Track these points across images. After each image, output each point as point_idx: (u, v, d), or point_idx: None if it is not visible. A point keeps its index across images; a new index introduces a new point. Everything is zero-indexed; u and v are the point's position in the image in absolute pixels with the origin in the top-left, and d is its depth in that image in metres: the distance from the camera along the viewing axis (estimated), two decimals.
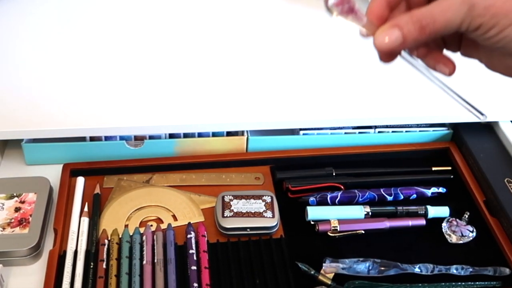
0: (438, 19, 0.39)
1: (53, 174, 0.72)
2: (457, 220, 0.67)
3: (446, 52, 0.45)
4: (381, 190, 0.71)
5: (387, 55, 0.43)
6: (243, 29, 0.91)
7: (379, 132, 0.78)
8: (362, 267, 0.62)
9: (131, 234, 0.64)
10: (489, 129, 0.79)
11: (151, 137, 0.75)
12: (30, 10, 0.92)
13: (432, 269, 0.63)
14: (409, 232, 0.67)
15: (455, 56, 0.89)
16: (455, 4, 0.38)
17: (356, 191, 0.70)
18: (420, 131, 0.79)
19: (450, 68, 0.44)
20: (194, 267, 0.61)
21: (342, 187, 0.72)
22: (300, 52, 0.87)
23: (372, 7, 0.42)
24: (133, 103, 0.75)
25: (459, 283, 0.62)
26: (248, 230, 0.66)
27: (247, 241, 0.65)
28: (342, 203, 0.70)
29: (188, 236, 0.64)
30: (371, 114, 0.76)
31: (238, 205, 0.67)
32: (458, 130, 0.78)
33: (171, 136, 0.75)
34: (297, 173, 0.73)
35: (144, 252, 0.63)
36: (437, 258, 0.64)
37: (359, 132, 0.78)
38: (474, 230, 0.67)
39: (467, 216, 0.68)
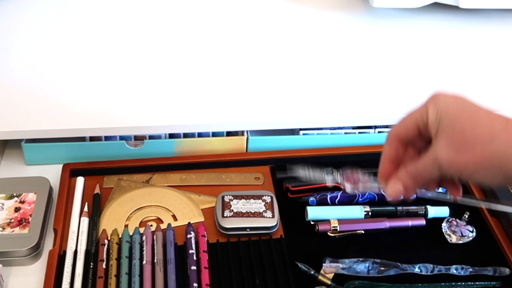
0: (423, 174, 0.50)
1: (53, 174, 0.72)
2: (457, 220, 0.67)
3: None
4: (381, 190, 0.71)
5: (404, 197, 0.53)
6: (243, 29, 0.91)
7: (379, 132, 0.78)
8: (362, 267, 0.62)
9: (131, 234, 0.64)
10: None
11: (151, 137, 0.75)
12: (31, 10, 0.92)
13: (432, 269, 0.63)
14: (409, 232, 0.67)
15: (460, 53, 0.90)
16: (430, 165, 0.49)
17: (355, 191, 0.70)
18: None
19: (454, 195, 0.53)
20: (194, 267, 0.61)
21: (342, 187, 0.71)
22: (300, 52, 0.87)
23: (381, 170, 0.54)
24: (133, 103, 0.75)
25: (459, 283, 0.62)
26: (248, 230, 0.66)
27: (247, 241, 0.65)
28: (342, 203, 0.70)
29: (188, 236, 0.64)
30: (371, 114, 0.76)
31: (238, 205, 0.67)
32: None
33: (171, 136, 0.75)
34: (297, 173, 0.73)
35: (144, 252, 0.63)
36: (437, 258, 0.64)
37: (359, 132, 0.78)
38: (474, 230, 0.67)
39: (467, 216, 0.68)
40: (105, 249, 0.63)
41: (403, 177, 0.52)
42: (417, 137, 0.52)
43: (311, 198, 0.70)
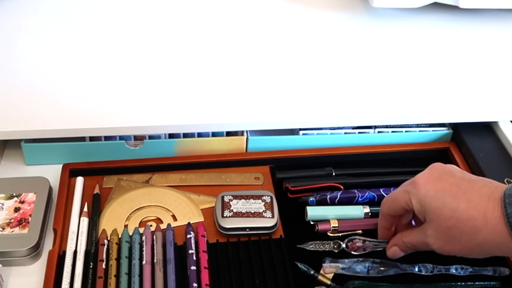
0: (418, 247, 0.58)
1: (52, 174, 0.72)
2: None
3: None
4: (381, 190, 0.71)
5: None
6: (243, 29, 0.91)
7: (378, 132, 0.78)
8: (362, 267, 0.62)
9: (130, 234, 0.64)
10: (489, 129, 0.78)
11: (150, 137, 0.75)
12: (31, 10, 0.92)
13: (432, 269, 0.63)
14: None
15: (460, 53, 0.90)
16: (423, 244, 0.56)
17: (355, 191, 0.70)
18: (420, 131, 0.78)
19: None
20: (193, 267, 0.61)
21: (342, 187, 0.71)
22: (300, 52, 0.87)
23: (380, 236, 0.62)
24: (133, 103, 0.75)
25: (459, 283, 0.62)
26: (248, 230, 0.66)
27: (246, 241, 0.65)
28: (341, 203, 0.70)
29: (188, 236, 0.64)
30: (371, 114, 0.76)
31: (238, 205, 0.67)
32: (458, 130, 0.78)
33: (171, 136, 0.75)
34: (297, 173, 0.73)
35: (144, 252, 0.63)
36: (437, 258, 0.64)
37: (359, 132, 0.78)
38: None
39: None
40: (104, 249, 0.63)
41: (401, 244, 0.59)
42: (406, 212, 0.59)
43: (311, 198, 0.70)
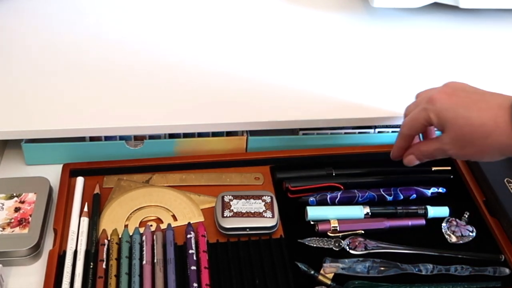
0: (433, 152, 0.63)
1: (53, 174, 0.72)
2: (457, 220, 0.68)
3: None
4: (381, 190, 0.71)
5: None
6: (243, 30, 0.91)
7: (379, 132, 0.78)
8: (362, 267, 0.62)
9: (130, 234, 0.64)
10: None
11: (151, 137, 0.75)
12: (30, 10, 0.92)
13: (432, 269, 0.63)
14: (409, 232, 0.67)
15: (460, 53, 0.89)
16: (440, 152, 0.62)
17: (355, 191, 0.70)
18: None
19: None
20: (193, 267, 0.61)
21: (342, 187, 0.71)
22: (300, 52, 0.87)
23: (394, 155, 0.68)
24: (133, 103, 0.75)
25: (459, 283, 0.62)
26: (248, 230, 0.66)
27: (246, 241, 0.65)
28: (341, 203, 0.70)
29: (188, 236, 0.64)
30: (371, 114, 0.76)
31: (238, 205, 0.67)
32: None
33: (171, 136, 0.75)
34: (297, 173, 0.73)
35: (144, 252, 0.63)
36: (437, 258, 0.64)
37: (359, 132, 0.78)
38: (474, 230, 0.67)
39: (466, 216, 0.68)
40: (105, 249, 0.63)
41: (418, 153, 0.64)
42: (425, 128, 0.64)
43: (311, 198, 0.70)
